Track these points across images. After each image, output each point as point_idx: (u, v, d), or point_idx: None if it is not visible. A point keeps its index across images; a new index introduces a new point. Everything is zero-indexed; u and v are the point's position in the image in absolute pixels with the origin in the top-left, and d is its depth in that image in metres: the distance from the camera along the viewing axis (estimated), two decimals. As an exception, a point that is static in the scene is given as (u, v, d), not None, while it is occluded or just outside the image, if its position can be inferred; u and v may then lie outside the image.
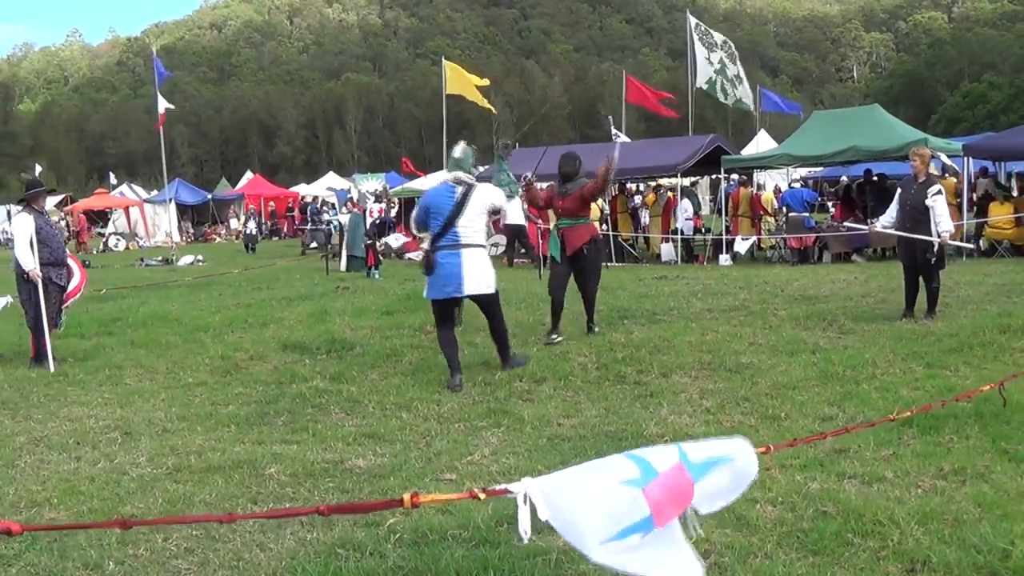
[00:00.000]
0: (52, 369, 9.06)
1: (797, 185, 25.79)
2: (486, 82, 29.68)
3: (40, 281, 9.26)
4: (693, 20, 25.57)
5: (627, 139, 31.56)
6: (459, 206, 7.57)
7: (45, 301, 9.33)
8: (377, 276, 18.79)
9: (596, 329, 9.61)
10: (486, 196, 7.76)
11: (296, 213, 42.71)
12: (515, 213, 18.49)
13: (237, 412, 6.97)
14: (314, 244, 29.31)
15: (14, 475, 5.53)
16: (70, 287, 9.91)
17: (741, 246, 19.90)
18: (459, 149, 7.85)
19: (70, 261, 10.03)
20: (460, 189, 7.64)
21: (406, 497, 2.45)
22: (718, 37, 25.97)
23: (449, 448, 5.74)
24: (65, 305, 9.91)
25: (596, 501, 2.44)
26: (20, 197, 9.97)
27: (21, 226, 9.41)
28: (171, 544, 4.23)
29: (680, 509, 2.63)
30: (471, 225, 7.62)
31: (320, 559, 3.95)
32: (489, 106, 31.65)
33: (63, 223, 35.06)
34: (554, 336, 9.32)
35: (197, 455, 5.80)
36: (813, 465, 4.98)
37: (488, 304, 8.00)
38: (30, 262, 9.28)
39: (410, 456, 5.61)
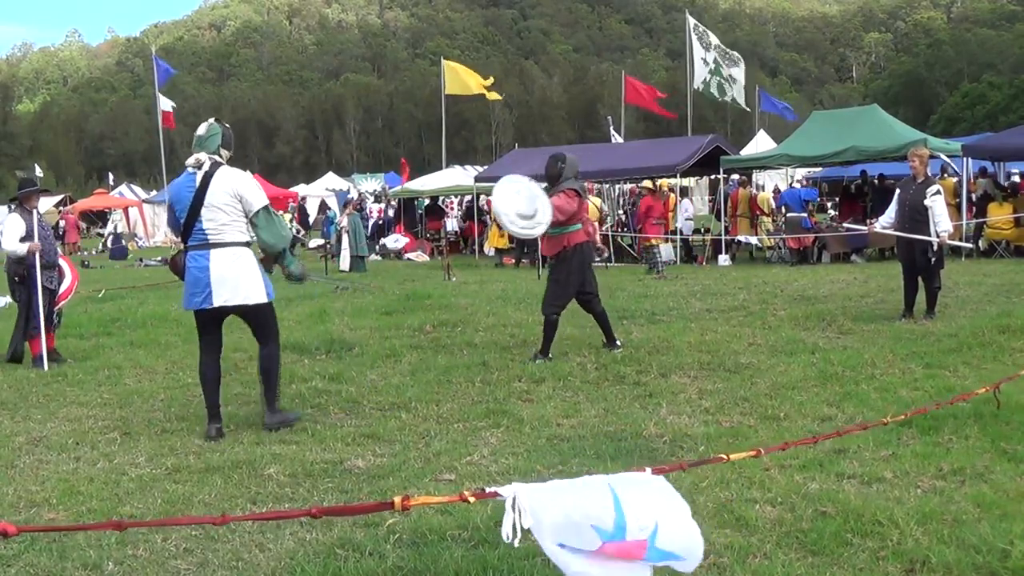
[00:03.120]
0: (46, 369, 9.08)
1: (798, 185, 25.79)
2: (490, 81, 29.64)
3: (37, 256, 9.26)
4: (692, 21, 25.64)
5: (620, 139, 31.67)
6: (199, 195, 6.11)
7: (35, 304, 9.34)
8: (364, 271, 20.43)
9: (538, 360, 8.40)
10: (229, 182, 6.13)
11: (295, 214, 42.66)
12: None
13: (236, 412, 6.97)
14: (313, 244, 29.38)
15: (13, 475, 5.52)
16: (61, 289, 9.90)
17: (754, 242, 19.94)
18: (203, 126, 6.37)
19: (61, 262, 10.02)
20: (199, 175, 6.16)
21: (397, 500, 2.46)
22: (715, 40, 26.07)
23: (448, 448, 5.73)
24: (57, 307, 9.90)
25: (566, 517, 2.51)
26: (12, 196, 9.95)
27: (11, 226, 9.40)
28: (170, 544, 4.23)
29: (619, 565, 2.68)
30: (217, 218, 6.11)
31: (319, 559, 3.94)
32: (496, 95, 31.51)
33: (61, 223, 35.00)
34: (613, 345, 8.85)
35: (196, 455, 5.80)
36: (812, 465, 4.98)
37: (254, 322, 6.50)
38: (21, 248, 9.27)
39: (409, 456, 5.60)
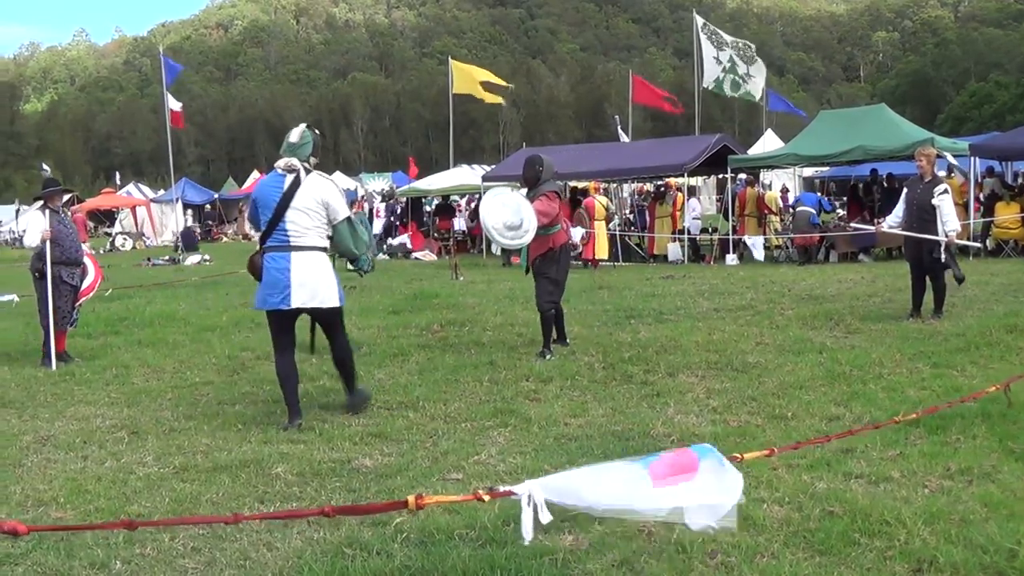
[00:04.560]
0: (54, 368, 9.09)
1: (819, 194, 25.71)
2: (494, 78, 29.53)
3: (48, 247, 9.28)
4: (700, 20, 25.53)
5: (627, 139, 31.58)
6: (286, 198, 6.36)
7: (57, 300, 9.37)
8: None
9: (547, 356, 8.54)
10: (317, 189, 6.43)
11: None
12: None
13: (244, 411, 6.98)
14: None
15: (21, 474, 5.54)
16: (84, 285, 9.95)
17: (758, 250, 19.81)
18: (296, 132, 6.65)
19: (86, 259, 10.06)
20: (289, 178, 6.42)
21: (411, 499, 2.45)
22: (728, 39, 25.88)
23: (456, 448, 5.74)
24: (79, 303, 9.95)
25: (601, 481, 2.47)
26: (36, 195, 9.98)
27: (33, 223, 9.45)
28: (178, 543, 4.23)
29: (683, 476, 2.63)
30: (302, 222, 6.37)
31: (327, 558, 3.95)
32: (498, 100, 31.39)
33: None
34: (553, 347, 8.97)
35: (204, 454, 5.81)
36: (820, 465, 4.97)
37: (326, 322, 6.78)
38: (36, 238, 9.30)
39: (417, 456, 5.61)
